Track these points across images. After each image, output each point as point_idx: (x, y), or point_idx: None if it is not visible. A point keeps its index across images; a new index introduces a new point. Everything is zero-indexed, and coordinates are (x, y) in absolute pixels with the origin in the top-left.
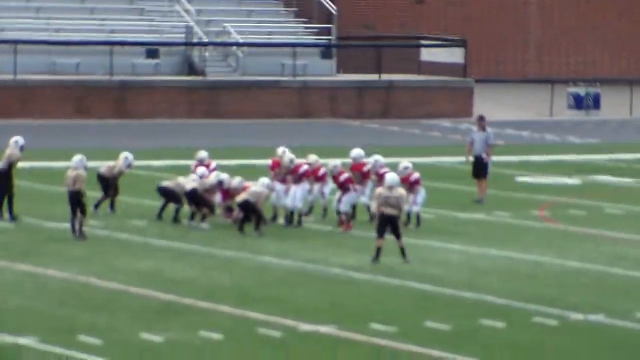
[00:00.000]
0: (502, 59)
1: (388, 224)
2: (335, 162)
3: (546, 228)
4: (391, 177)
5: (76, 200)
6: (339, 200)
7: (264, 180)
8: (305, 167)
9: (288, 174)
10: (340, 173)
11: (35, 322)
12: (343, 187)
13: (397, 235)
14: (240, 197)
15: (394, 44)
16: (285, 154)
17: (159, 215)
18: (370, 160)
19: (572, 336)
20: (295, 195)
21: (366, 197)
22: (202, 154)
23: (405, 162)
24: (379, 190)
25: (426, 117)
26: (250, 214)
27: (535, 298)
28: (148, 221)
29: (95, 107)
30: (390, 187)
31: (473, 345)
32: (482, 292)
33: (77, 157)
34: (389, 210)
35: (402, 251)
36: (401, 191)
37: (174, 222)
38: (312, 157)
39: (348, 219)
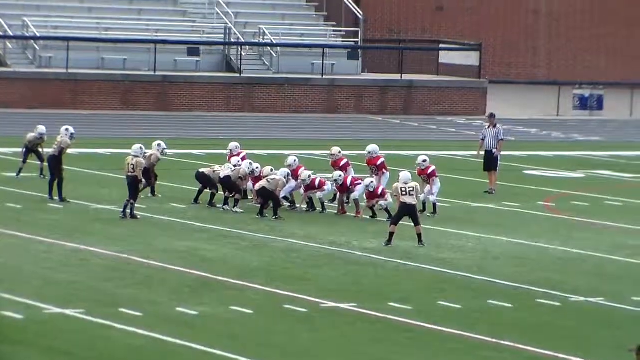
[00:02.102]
0: (513, 62)
1: (407, 212)
2: (338, 172)
3: (551, 218)
4: (405, 174)
5: (134, 185)
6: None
7: (283, 170)
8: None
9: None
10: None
11: (81, 296)
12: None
13: (416, 222)
14: (258, 185)
15: (415, 47)
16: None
17: (196, 200)
18: (368, 150)
19: (573, 317)
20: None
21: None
22: (233, 145)
23: (423, 156)
24: (396, 184)
25: (443, 114)
26: (268, 199)
27: (540, 282)
28: (186, 205)
29: (140, 100)
30: (406, 182)
31: (482, 323)
32: (491, 275)
33: (137, 146)
34: (409, 200)
35: (419, 237)
36: (414, 184)
37: (210, 206)
38: (335, 149)
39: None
